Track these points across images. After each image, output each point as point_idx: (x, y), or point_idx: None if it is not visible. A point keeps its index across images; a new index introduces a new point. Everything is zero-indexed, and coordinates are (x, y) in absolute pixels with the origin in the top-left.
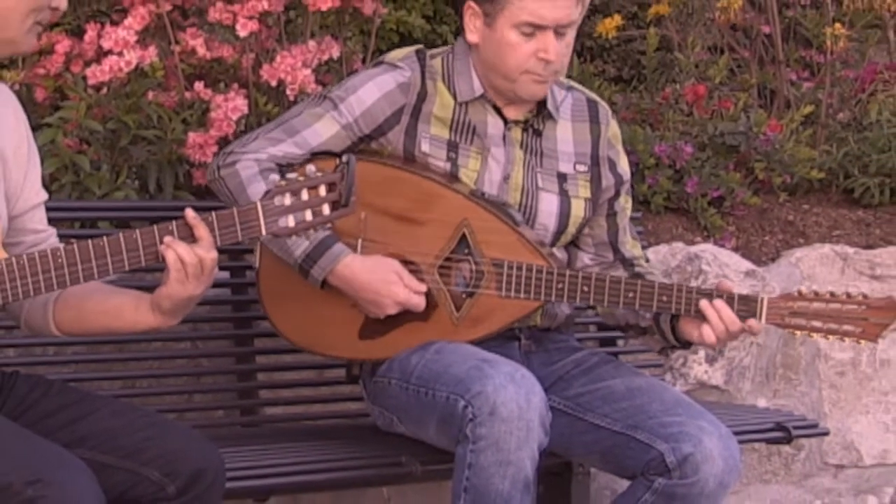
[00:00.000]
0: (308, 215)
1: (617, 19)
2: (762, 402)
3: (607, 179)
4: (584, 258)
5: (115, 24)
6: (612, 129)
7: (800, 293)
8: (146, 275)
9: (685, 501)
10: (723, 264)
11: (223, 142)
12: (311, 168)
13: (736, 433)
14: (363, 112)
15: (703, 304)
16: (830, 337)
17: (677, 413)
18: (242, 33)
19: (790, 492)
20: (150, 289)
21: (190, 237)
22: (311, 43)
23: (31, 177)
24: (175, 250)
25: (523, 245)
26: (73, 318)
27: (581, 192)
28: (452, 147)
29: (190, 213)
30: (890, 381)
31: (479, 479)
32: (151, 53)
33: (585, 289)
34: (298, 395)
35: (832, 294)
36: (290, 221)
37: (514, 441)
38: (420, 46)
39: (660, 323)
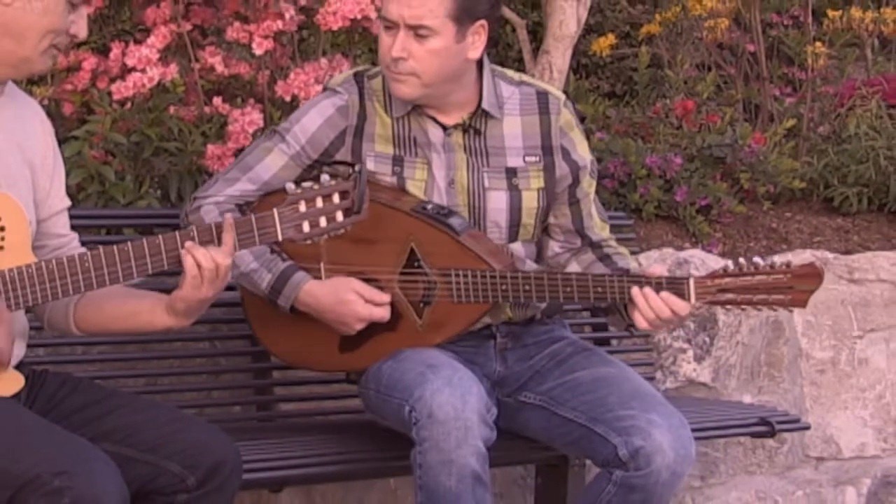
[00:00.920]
0: (322, 221)
1: (610, 38)
2: (747, 399)
3: (561, 168)
4: (554, 246)
5: (138, 42)
6: (563, 117)
7: (724, 270)
8: (167, 278)
9: (643, 492)
10: (710, 269)
11: (240, 153)
12: (325, 177)
13: (722, 427)
14: (308, 139)
15: (634, 291)
16: (762, 307)
17: (631, 406)
18: (258, 51)
19: (774, 483)
20: (169, 291)
21: (209, 242)
22: (323, 60)
23: (56, 184)
24: (193, 255)
25: (464, 252)
26: (92, 318)
27: (533, 183)
28: (397, 161)
29: (229, 219)
30: (867, 379)
31: (428, 477)
32: (173, 70)
33: (527, 287)
34: (311, 392)
35: (756, 266)
36: (306, 227)
37: (453, 441)
38: (359, 68)
39: (616, 304)
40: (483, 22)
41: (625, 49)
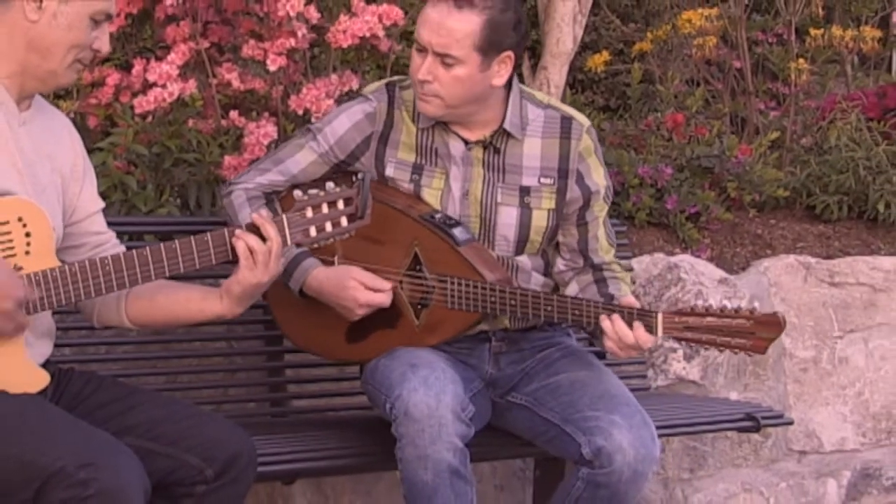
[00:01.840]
0: (328, 226)
1: (605, 55)
2: (734, 395)
3: (573, 191)
4: (560, 264)
5: (159, 59)
6: (584, 143)
7: (692, 309)
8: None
9: (608, 488)
10: (699, 273)
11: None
12: (330, 184)
13: (710, 422)
14: (336, 141)
15: (602, 318)
16: (724, 349)
17: (597, 407)
18: (272, 68)
19: (759, 475)
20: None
21: (257, 235)
22: (334, 76)
23: (87, 188)
24: (245, 241)
25: (462, 262)
26: (145, 309)
27: (544, 203)
28: (417, 169)
29: (257, 216)
30: (847, 377)
31: (408, 471)
32: (191, 86)
33: (513, 303)
34: (322, 389)
35: (722, 310)
36: (312, 232)
37: (428, 437)
38: (393, 79)
39: (588, 328)
40: (509, 53)
41: (618, 65)
